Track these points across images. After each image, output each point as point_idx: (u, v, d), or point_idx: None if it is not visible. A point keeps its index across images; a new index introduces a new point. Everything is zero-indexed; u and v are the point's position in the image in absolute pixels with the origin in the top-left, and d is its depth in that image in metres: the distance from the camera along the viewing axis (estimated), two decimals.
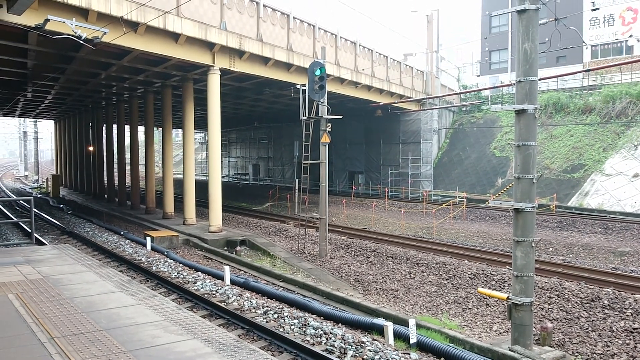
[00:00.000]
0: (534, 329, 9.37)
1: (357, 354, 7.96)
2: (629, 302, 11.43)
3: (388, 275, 15.65)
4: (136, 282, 9.54)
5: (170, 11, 16.91)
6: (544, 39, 9.81)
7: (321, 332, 8.92)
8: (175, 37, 18.10)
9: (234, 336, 6.71)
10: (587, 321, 11.08)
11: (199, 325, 6.98)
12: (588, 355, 9.66)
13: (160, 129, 35.77)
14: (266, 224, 24.47)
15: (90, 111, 38.17)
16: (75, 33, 12.41)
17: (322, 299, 12.84)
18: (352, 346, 8.23)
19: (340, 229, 23.86)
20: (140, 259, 15.40)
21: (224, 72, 21.33)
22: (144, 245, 18.16)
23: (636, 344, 9.91)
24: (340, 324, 10.13)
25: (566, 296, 12.28)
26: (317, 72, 17.10)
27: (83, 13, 14.95)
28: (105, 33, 13.33)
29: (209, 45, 19.57)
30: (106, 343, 6.13)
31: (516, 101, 9.00)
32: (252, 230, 23.37)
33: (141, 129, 42.08)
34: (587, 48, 42.18)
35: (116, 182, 36.87)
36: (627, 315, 11.00)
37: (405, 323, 9.56)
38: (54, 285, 8.88)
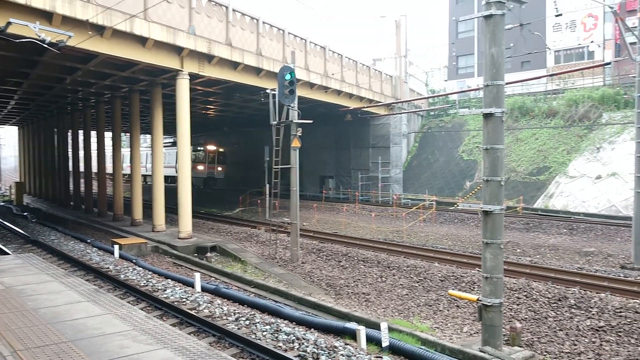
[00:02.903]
0: (503, 330, 9.50)
1: (330, 359, 7.94)
2: (595, 301, 11.71)
3: (359, 279, 15.68)
4: (103, 291, 9.35)
5: (138, 15, 16.66)
6: (509, 44, 10.01)
7: (294, 337, 8.87)
8: (142, 41, 17.83)
9: (205, 344, 6.63)
10: (554, 321, 11.31)
11: (169, 334, 6.87)
12: (556, 354, 9.85)
13: (129, 134, 35.16)
14: (237, 230, 24.27)
15: (56, 117, 37.27)
16: (39, 37, 12.08)
17: (294, 304, 12.78)
18: (324, 351, 8.20)
19: (311, 234, 23.83)
20: (108, 267, 15.07)
21: (193, 77, 21.10)
22: (112, 253, 17.79)
23: (602, 342, 10.15)
24: (312, 329, 10.08)
25: (534, 296, 12.51)
26: (287, 77, 17.07)
27: (47, 16, 14.59)
28: (70, 37, 13.03)
29: (178, 50, 19.35)
30: (72, 355, 5.97)
31: (484, 105, 9.14)
32: (223, 236, 23.15)
33: (108, 135, 41.35)
34: (550, 53, 43.22)
35: (83, 189, 36.09)
36: (593, 314, 11.27)
37: (377, 327, 9.58)
38: (17, 296, 8.61)
